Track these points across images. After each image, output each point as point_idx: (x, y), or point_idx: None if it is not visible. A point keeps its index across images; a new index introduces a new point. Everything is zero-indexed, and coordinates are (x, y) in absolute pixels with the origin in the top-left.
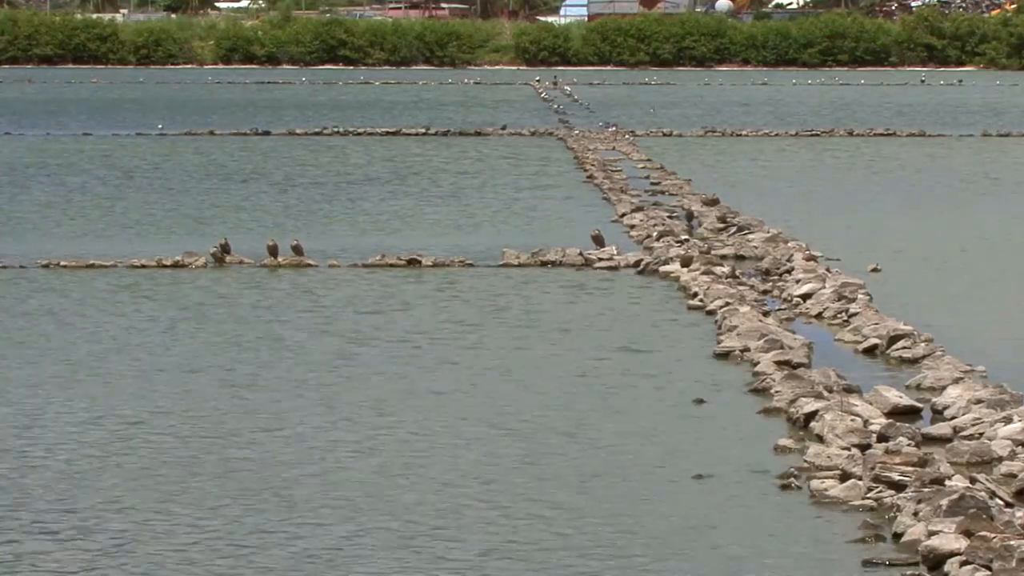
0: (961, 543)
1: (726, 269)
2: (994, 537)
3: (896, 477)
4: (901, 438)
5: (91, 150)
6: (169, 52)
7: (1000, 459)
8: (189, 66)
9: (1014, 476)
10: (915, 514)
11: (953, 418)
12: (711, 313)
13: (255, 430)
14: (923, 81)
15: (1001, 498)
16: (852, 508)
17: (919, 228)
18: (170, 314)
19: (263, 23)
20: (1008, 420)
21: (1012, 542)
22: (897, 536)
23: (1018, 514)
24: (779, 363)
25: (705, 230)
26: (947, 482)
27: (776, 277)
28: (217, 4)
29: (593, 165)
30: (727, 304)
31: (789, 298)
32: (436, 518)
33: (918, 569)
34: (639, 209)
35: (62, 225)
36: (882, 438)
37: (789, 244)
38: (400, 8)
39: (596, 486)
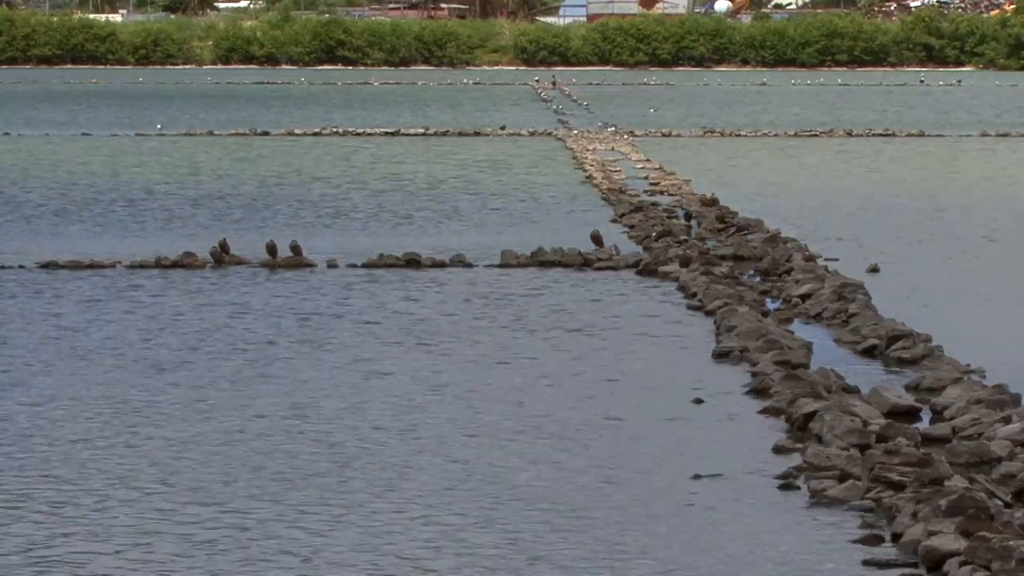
0: (960, 543)
1: (725, 269)
2: (993, 538)
3: (895, 477)
4: (900, 438)
5: (91, 150)
6: (168, 53)
7: (999, 459)
8: (188, 66)
9: (1013, 476)
10: (914, 514)
11: (952, 418)
12: (710, 313)
13: (268, 430)
14: (922, 81)
15: (1000, 498)
16: (851, 508)
17: (918, 228)
18: (170, 313)
19: (262, 24)
20: (1007, 420)
21: (1011, 542)
22: (896, 536)
23: (1017, 515)
24: (778, 363)
25: (704, 230)
26: (946, 482)
27: (775, 277)
28: (216, 4)
29: (592, 165)
30: (726, 304)
31: (788, 298)
32: (435, 515)
33: (917, 569)
34: (638, 209)
35: (62, 225)
36: (881, 438)
37: (788, 244)
38: (399, 8)
39: (594, 486)
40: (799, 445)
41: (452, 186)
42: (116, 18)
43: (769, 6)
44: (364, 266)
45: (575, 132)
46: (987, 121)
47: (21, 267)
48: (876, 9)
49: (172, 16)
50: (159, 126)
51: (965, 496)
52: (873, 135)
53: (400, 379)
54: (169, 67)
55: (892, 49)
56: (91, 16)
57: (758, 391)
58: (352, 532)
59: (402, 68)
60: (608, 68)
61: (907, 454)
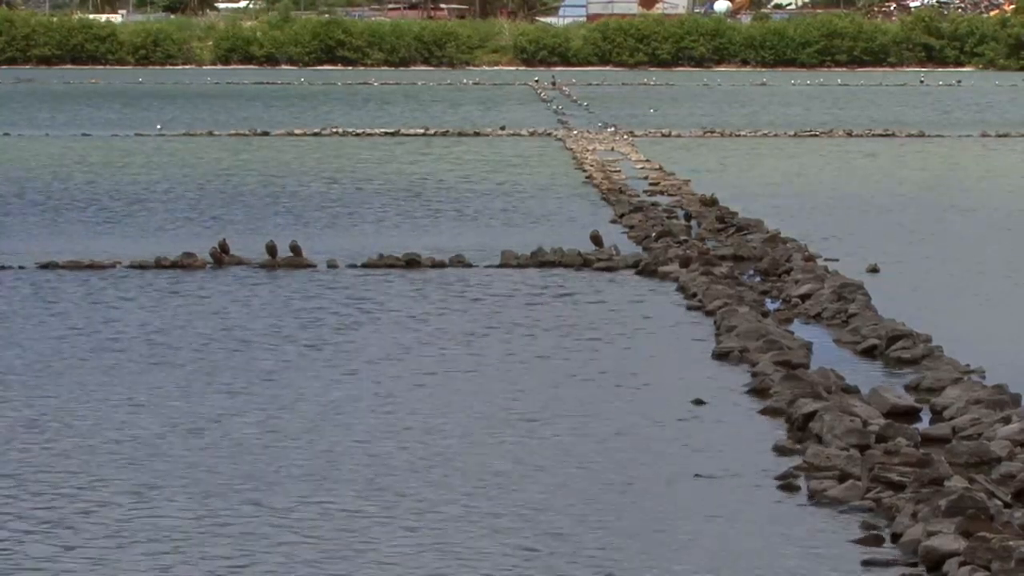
0: (960, 543)
1: (725, 269)
2: (993, 538)
3: (895, 477)
4: (900, 439)
5: (91, 150)
6: (168, 53)
7: (999, 459)
8: (188, 67)
9: (1013, 476)
10: (914, 514)
11: (952, 419)
12: (710, 313)
13: (261, 431)
14: (922, 81)
15: (1000, 498)
16: (851, 508)
17: (918, 228)
18: (170, 314)
19: (262, 24)
20: (1007, 420)
21: (1011, 542)
22: (896, 536)
23: (1017, 515)
24: (778, 363)
25: (704, 230)
26: (946, 482)
27: (775, 277)
28: (216, 4)
29: (592, 165)
30: (726, 304)
31: (788, 298)
32: (436, 518)
33: (917, 569)
34: (638, 209)
35: (62, 225)
36: (881, 439)
37: (788, 244)
38: (399, 8)
39: (595, 486)
40: (799, 445)
41: (452, 186)
42: (116, 18)
43: (769, 6)
44: (364, 266)
45: (575, 132)
46: (987, 121)
47: (21, 267)
48: (876, 9)
49: (172, 16)
50: (159, 126)
51: (965, 496)
52: (873, 135)
53: (399, 380)
54: (169, 67)
55: (892, 49)
56: (91, 16)
57: (758, 391)
58: (376, 532)
59: (402, 68)
60: (608, 68)
61: (907, 454)
